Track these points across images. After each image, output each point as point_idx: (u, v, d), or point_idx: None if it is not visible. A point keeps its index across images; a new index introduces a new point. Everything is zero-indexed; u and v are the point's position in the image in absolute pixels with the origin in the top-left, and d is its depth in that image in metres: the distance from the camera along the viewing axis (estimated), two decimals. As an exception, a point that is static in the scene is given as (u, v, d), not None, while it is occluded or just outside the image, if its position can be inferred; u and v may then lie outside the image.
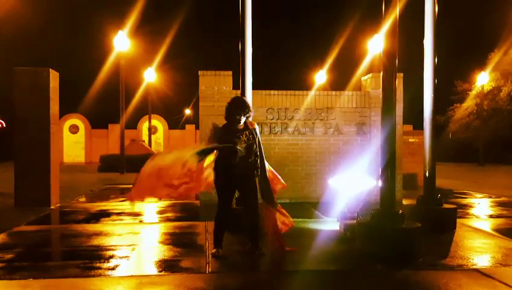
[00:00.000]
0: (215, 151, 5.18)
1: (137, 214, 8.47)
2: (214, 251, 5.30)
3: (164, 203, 9.82)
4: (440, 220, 6.88)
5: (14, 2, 21.55)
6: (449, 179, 16.06)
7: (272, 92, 9.97)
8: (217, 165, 5.23)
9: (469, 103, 31.98)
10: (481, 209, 9.54)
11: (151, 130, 31.24)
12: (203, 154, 5.12)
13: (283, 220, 5.49)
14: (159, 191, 4.98)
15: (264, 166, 5.41)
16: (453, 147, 31.71)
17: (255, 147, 5.28)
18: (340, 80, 31.38)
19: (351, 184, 6.60)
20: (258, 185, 5.42)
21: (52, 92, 9.35)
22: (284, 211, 5.54)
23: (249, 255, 5.38)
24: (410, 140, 13.73)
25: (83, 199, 10.90)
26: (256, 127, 5.43)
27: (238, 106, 5.28)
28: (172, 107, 43.14)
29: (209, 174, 5.13)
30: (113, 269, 4.86)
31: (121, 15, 39.72)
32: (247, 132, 5.28)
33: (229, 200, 5.39)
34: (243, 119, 5.28)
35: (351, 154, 9.89)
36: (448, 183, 14.53)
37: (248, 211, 5.41)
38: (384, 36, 5.54)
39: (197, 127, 29.17)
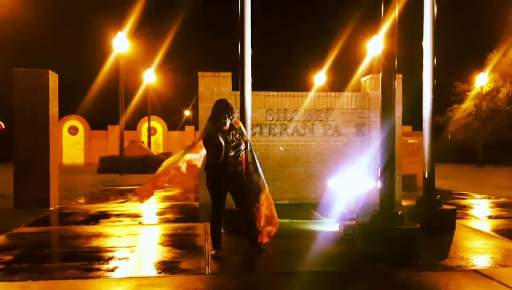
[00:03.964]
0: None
1: (136, 216, 8.47)
2: (213, 252, 5.30)
3: (164, 204, 9.82)
4: (439, 221, 6.89)
5: (14, 3, 21.55)
6: (448, 180, 16.06)
7: (271, 93, 9.96)
8: (208, 166, 5.38)
9: (468, 104, 31.97)
10: (480, 210, 9.54)
11: (151, 131, 31.26)
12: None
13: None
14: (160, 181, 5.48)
15: (255, 161, 5.56)
16: (452, 148, 31.71)
17: (243, 145, 5.41)
18: (339, 81, 31.45)
19: (350, 185, 6.60)
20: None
21: (52, 93, 9.34)
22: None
23: (249, 256, 5.39)
24: (410, 141, 13.75)
25: (82, 201, 10.89)
26: (242, 125, 5.58)
27: (224, 109, 5.34)
28: (172, 109, 43.24)
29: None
30: (112, 270, 4.86)
31: (120, 16, 39.75)
32: (233, 132, 5.39)
33: (222, 200, 5.43)
34: (228, 121, 5.37)
35: (350, 155, 9.88)
36: (447, 184, 14.54)
37: (241, 208, 5.54)
38: (383, 37, 5.55)
39: (196, 128, 29.11)
